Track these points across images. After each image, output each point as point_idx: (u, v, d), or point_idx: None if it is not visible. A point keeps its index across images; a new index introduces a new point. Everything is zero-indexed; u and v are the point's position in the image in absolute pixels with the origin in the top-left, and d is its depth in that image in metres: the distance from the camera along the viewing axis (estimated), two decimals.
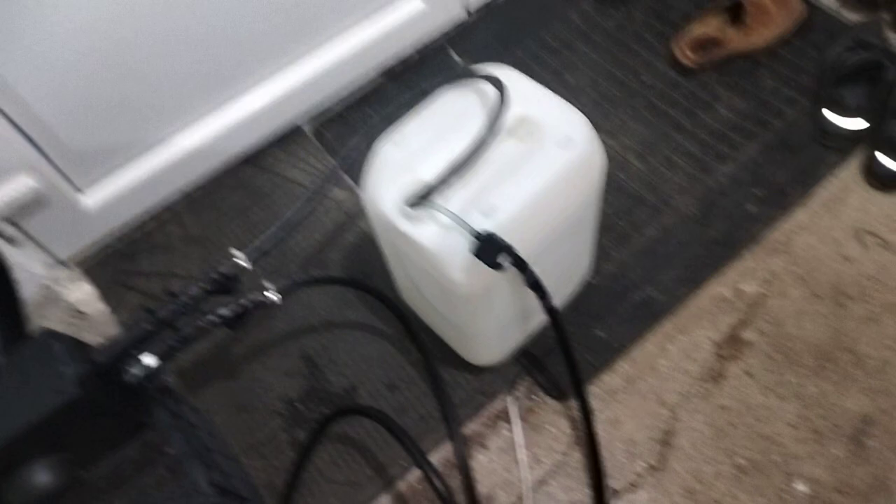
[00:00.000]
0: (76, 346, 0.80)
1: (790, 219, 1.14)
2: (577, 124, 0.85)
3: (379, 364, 1.10)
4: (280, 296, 0.91)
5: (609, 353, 1.05)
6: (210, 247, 1.25)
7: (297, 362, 1.12)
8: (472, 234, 0.77)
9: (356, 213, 1.25)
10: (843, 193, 1.15)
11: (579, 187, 0.86)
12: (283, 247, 1.23)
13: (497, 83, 0.85)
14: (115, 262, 1.25)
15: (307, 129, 1.37)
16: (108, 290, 1.22)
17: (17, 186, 1.05)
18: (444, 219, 0.80)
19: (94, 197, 1.18)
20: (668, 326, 1.07)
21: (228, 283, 0.87)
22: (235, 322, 0.90)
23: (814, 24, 1.34)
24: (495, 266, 0.76)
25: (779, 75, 1.30)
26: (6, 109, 0.99)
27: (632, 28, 1.40)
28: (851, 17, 1.34)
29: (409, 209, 0.82)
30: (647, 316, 1.08)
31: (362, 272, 1.19)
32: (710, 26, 1.34)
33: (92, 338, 1.18)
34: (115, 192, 1.19)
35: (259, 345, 1.14)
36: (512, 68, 0.91)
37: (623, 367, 1.04)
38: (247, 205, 1.29)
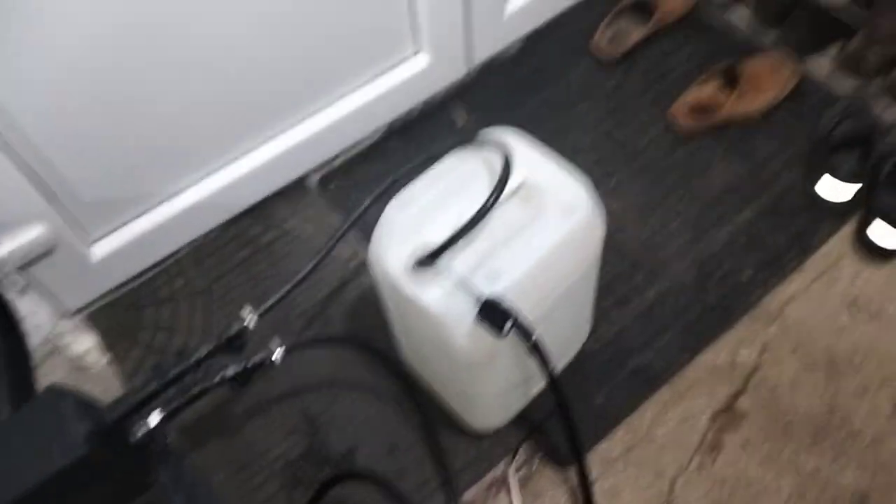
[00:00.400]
0: (84, 403, 0.80)
1: (785, 287, 1.16)
2: (580, 191, 0.88)
3: (379, 425, 1.10)
4: (283, 354, 0.92)
5: (608, 421, 1.06)
6: (215, 300, 1.26)
7: (297, 422, 1.12)
8: (478, 299, 0.79)
9: (359, 270, 1.27)
10: (837, 262, 1.18)
11: (581, 254, 0.89)
12: (287, 303, 1.24)
13: (503, 149, 0.88)
14: (119, 314, 1.26)
15: (311, 181, 1.40)
16: (112, 343, 1.23)
17: (31, 235, 1.07)
18: (450, 282, 0.82)
19: (103, 249, 1.20)
20: (665, 394, 1.08)
21: (237, 343, 0.89)
22: (241, 382, 0.91)
23: (805, 91, 1.38)
24: (500, 331, 0.77)
25: (773, 141, 1.33)
26: (24, 156, 1.01)
27: (630, 90, 1.44)
28: (841, 86, 1.39)
29: (414, 271, 0.84)
30: (645, 382, 1.09)
31: (364, 330, 1.20)
32: (705, 91, 1.39)
33: (94, 391, 1.19)
34: (124, 245, 1.21)
35: (259, 403, 1.14)
36: (517, 131, 0.94)
37: (621, 435, 1.05)
38: (251, 257, 1.31)
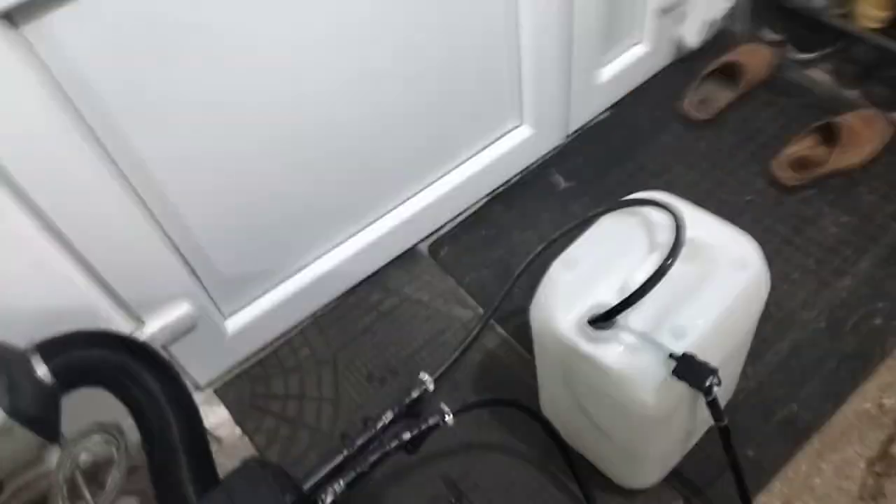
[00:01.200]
0: (284, 475, 0.81)
1: None
2: (747, 245, 0.90)
3: (524, 489, 1.09)
4: (453, 417, 0.93)
5: (763, 473, 1.05)
6: (340, 367, 1.28)
7: (439, 486, 1.12)
8: (671, 355, 0.80)
9: (480, 332, 1.28)
10: None
11: (753, 307, 0.90)
12: (409, 368, 1.26)
13: (672, 210, 0.90)
14: (249, 385, 1.28)
15: (422, 248, 1.43)
16: (242, 414, 1.24)
17: (178, 313, 1.09)
18: (629, 339, 0.83)
19: (236, 323, 1.22)
20: (817, 444, 1.07)
21: (416, 408, 0.90)
22: (415, 445, 0.91)
23: None
24: (700, 387, 0.78)
25: (877, 191, 1.36)
26: (175, 238, 1.05)
27: (725, 150, 1.48)
28: None
29: (590, 330, 0.85)
30: (794, 433, 1.08)
31: (492, 391, 1.21)
32: (804, 147, 1.42)
33: (228, 464, 1.18)
34: (254, 318, 1.24)
35: (398, 466, 1.14)
36: (667, 193, 0.97)
37: (779, 488, 1.04)
38: (372, 324, 1.33)
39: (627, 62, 1.52)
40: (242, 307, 1.23)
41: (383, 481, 1.14)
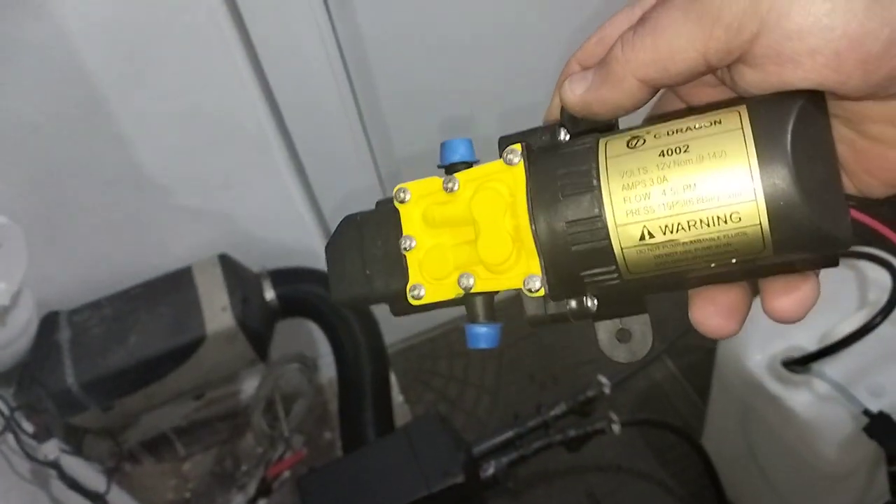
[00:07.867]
0: (458, 434, 0.87)
1: None
2: None
3: None
4: (620, 428, 0.95)
5: None
6: (504, 363, 1.33)
7: (581, 498, 1.14)
8: (865, 412, 0.78)
9: (649, 360, 1.28)
10: None
11: None
12: (573, 379, 1.28)
13: (890, 267, 0.87)
14: (416, 359, 1.36)
15: None
16: (406, 384, 1.32)
17: None
18: (822, 388, 0.81)
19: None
20: None
21: (587, 408, 0.92)
22: (576, 445, 0.94)
23: None
24: (891, 448, 0.76)
25: None
26: None
27: None
28: None
29: (783, 371, 0.84)
30: None
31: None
32: None
33: None
34: None
35: (543, 471, 1.17)
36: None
37: None
38: (542, 329, 1.37)
39: None
40: None
41: (530, 478, 1.17)
